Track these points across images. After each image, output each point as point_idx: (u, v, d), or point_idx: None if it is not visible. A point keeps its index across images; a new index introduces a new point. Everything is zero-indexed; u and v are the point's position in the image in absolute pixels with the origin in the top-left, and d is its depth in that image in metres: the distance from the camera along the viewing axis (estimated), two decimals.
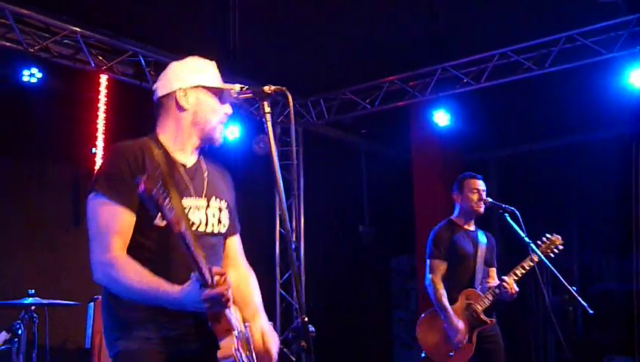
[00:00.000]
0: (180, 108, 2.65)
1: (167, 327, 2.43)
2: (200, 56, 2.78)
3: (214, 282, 2.26)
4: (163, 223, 2.27)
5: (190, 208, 2.57)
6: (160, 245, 2.47)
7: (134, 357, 2.43)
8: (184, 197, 2.55)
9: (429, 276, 5.21)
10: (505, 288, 4.93)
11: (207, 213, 2.62)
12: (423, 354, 5.15)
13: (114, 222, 2.44)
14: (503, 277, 4.98)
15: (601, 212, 8.93)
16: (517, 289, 4.96)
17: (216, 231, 2.66)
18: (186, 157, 2.69)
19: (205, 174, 2.71)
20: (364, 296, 10.28)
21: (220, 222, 2.67)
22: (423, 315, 5.28)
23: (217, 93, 2.68)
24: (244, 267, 2.91)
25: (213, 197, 2.68)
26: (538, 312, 9.14)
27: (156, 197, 2.03)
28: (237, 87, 2.63)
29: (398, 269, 10.87)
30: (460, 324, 5.00)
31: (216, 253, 2.69)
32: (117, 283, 2.40)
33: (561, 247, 5.08)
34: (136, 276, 2.36)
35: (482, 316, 5.04)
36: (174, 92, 2.65)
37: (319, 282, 8.94)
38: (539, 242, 5.06)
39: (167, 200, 2.06)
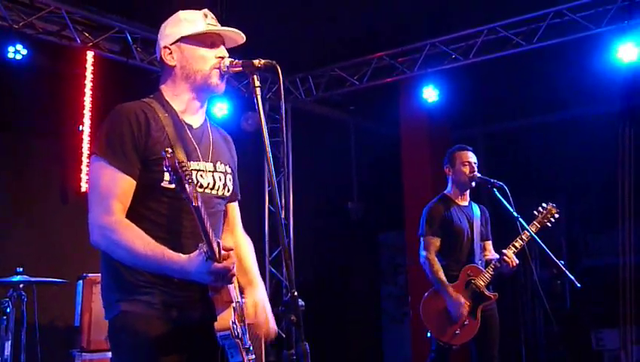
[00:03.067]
0: (169, 66, 2.64)
1: (170, 294, 2.42)
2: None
3: (221, 256, 2.27)
4: (171, 185, 2.29)
5: (198, 171, 2.56)
6: (169, 209, 2.45)
7: (135, 319, 2.43)
8: (191, 161, 2.55)
9: (423, 253, 5.19)
10: (505, 261, 4.93)
11: (214, 176, 2.63)
12: (428, 334, 5.11)
13: (114, 187, 2.43)
14: (503, 250, 4.98)
15: (589, 187, 8.99)
16: (517, 261, 4.97)
17: (220, 194, 2.66)
18: (192, 117, 2.68)
19: (211, 137, 2.70)
20: (353, 271, 10.33)
21: (225, 185, 2.68)
22: (426, 294, 5.20)
23: (204, 39, 2.63)
24: (242, 233, 2.92)
25: (219, 161, 2.67)
26: (526, 286, 9.21)
27: (180, 173, 2.06)
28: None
29: (387, 244, 10.92)
30: (460, 298, 4.99)
31: (220, 216, 2.70)
32: (118, 247, 2.37)
33: (557, 216, 5.10)
34: (140, 241, 2.35)
35: (485, 291, 5.04)
36: (161, 51, 2.65)
37: (308, 258, 8.97)
38: (535, 212, 5.08)
39: (188, 176, 2.08)
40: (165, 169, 2.07)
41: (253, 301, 2.67)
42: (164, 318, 2.44)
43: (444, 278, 5.06)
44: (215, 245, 2.24)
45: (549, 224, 5.08)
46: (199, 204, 2.12)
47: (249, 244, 2.91)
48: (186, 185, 2.08)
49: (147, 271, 2.40)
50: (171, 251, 2.33)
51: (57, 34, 6.64)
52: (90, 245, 2.46)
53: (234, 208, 2.89)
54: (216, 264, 2.25)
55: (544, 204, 5.13)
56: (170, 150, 2.06)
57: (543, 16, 7.03)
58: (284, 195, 8.95)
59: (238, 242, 2.86)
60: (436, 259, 5.15)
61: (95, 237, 2.42)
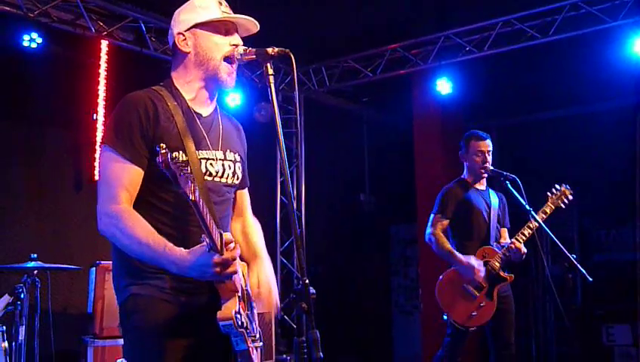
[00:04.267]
0: (183, 53, 2.65)
1: (180, 279, 2.43)
2: None
3: (224, 249, 2.27)
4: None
5: (207, 160, 2.57)
6: (177, 198, 2.42)
7: (144, 302, 2.45)
8: (200, 150, 2.56)
9: (429, 230, 5.20)
10: (512, 248, 4.93)
11: (223, 164, 2.64)
12: (445, 317, 5.09)
13: (122, 176, 2.45)
14: (512, 239, 5.00)
15: (603, 182, 8.93)
16: (525, 250, 4.96)
17: (230, 182, 2.68)
18: (202, 106, 2.69)
19: (221, 126, 2.71)
20: (364, 263, 10.34)
21: (234, 174, 2.69)
22: (440, 277, 5.17)
23: (218, 26, 2.63)
24: (250, 216, 2.95)
25: (228, 149, 2.68)
26: (538, 281, 9.18)
27: (173, 169, 2.03)
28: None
29: (398, 237, 10.92)
30: (472, 259, 4.96)
31: (229, 204, 2.72)
32: (122, 235, 2.39)
33: (570, 197, 5.11)
34: (143, 231, 2.36)
35: (501, 272, 5.04)
36: (175, 37, 2.65)
37: (320, 249, 8.98)
38: (548, 194, 5.09)
39: (183, 171, 2.06)
40: (158, 166, 2.04)
41: (257, 274, 2.69)
42: (173, 302, 2.46)
43: (451, 248, 5.06)
44: (217, 237, 2.23)
45: (562, 205, 5.08)
46: (197, 198, 2.10)
47: (257, 225, 2.94)
48: (180, 181, 2.05)
49: (146, 262, 2.41)
50: (173, 245, 2.34)
51: (72, 23, 6.66)
52: None
53: (243, 194, 2.91)
54: (218, 256, 2.25)
55: (557, 186, 5.13)
56: (164, 146, 2.03)
57: (559, 9, 6.97)
58: (296, 186, 8.95)
59: (246, 224, 2.89)
60: (442, 234, 5.14)
61: (101, 225, 2.44)
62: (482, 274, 4.95)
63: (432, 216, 5.27)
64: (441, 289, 5.14)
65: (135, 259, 2.44)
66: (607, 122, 8.53)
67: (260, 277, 2.69)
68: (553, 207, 5.04)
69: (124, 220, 2.39)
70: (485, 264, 5.02)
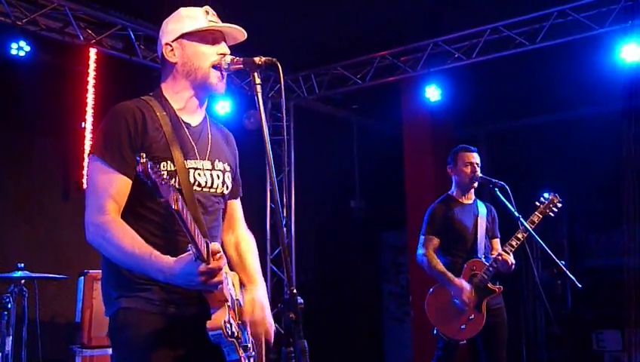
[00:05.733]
0: (170, 63, 2.64)
1: (169, 290, 2.42)
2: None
3: (210, 258, 2.25)
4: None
5: (195, 170, 2.56)
6: (165, 208, 2.39)
7: (134, 316, 2.44)
8: (188, 160, 2.55)
9: (420, 251, 5.19)
10: (501, 260, 4.94)
11: (212, 174, 2.62)
12: (435, 331, 5.09)
13: (110, 186, 2.44)
14: (499, 251, 5.00)
15: (591, 187, 8.97)
16: (513, 261, 4.96)
17: (219, 193, 2.66)
18: (191, 115, 2.68)
19: (210, 135, 2.70)
20: (354, 270, 10.32)
21: (223, 183, 2.67)
22: (430, 291, 5.19)
23: (206, 36, 2.63)
24: (244, 230, 2.92)
25: (217, 159, 2.67)
26: (527, 287, 9.20)
27: (153, 178, 2.02)
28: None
29: (389, 244, 10.92)
30: (464, 283, 4.97)
31: (219, 214, 2.70)
32: (109, 245, 2.38)
33: (559, 205, 5.10)
34: (129, 240, 2.36)
35: (489, 284, 5.04)
36: (163, 48, 2.65)
37: (310, 256, 8.98)
38: (537, 203, 5.08)
39: (163, 180, 2.04)
40: (139, 175, 2.02)
41: (251, 298, 2.65)
42: (162, 314, 2.45)
43: (443, 269, 5.06)
44: (203, 246, 2.22)
45: (551, 214, 5.08)
46: (179, 206, 2.08)
47: (251, 241, 2.90)
48: (162, 190, 2.03)
49: (133, 271, 2.40)
50: (159, 253, 2.33)
51: (60, 31, 6.64)
52: None
53: (235, 205, 2.89)
54: (204, 265, 2.23)
55: (546, 194, 5.13)
56: (144, 155, 2.01)
57: (546, 16, 7.01)
58: (285, 193, 8.94)
59: (240, 239, 2.86)
60: (434, 254, 5.15)
61: (89, 235, 2.44)
62: (472, 298, 4.96)
63: (421, 237, 5.27)
64: (430, 303, 5.16)
65: (123, 269, 2.43)
66: (595, 127, 8.57)
67: (255, 303, 2.65)
68: (541, 216, 5.04)
69: (111, 230, 2.38)
70: (473, 277, 5.03)
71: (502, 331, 5.14)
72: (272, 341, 2.72)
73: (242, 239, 2.87)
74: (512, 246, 4.95)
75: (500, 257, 4.94)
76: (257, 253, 2.90)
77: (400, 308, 10.55)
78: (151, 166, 2.01)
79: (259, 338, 2.65)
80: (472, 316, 4.98)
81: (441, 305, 5.08)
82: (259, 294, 2.69)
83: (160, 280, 2.34)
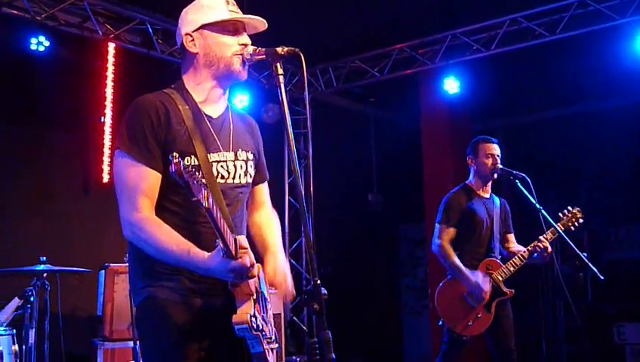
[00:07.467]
0: (191, 54, 2.63)
1: (194, 280, 2.45)
2: None
3: (238, 254, 2.27)
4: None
5: (218, 162, 2.57)
6: (186, 200, 2.39)
7: (160, 305, 2.46)
8: (211, 153, 2.56)
9: (436, 241, 5.13)
10: (541, 247, 4.87)
11: (235, 164, 2.63)
12: (440, 323, 5.07)
13: (141, 182, 2.45)
14: (540, 237, 4.90)
15: (612, 180, 8.89)
16: (551, 249, 4.91)
17: (243, 183, 2.67)
18: (213, 107, 2.67)
19: (231, 126, 2.69)
20: (372, 263, 10.31)
21: (246, 173, 2.68)
22: (441, 284, 5.15)
23: (227, 26, 2.61)
24: (269, 210, 2.94)
25: (240, 149, 2.67)
26: (548, 280, 9.15)
27: (186, 178, 2.03)
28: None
29: (407, 237, 10.89)
30: (480, 277, 4.93)
31: (243, 204, 2.71)
32: (147, 244, 2.41)
33: (581, 221, 5.01)
34: (168, 238, 2.38)
35: (503, 287, 5.00)
36: (183, 38, 2.64)
37: (328, 250, 8.96)
38: (560, 215, 5.01)
39: (195, 179, 2.06)
40: (171, 175, 2.04)
41: (272, 264, 2.68)
42: (188, 304, 2.47)
43: (459, 263, 5.00)
44: (231, 242, 2.24)
45: (572, 228, 5.00)
46: (210, 204, 2.10)
47: (275, 219, 2.94)
48: (194, 189, 2.05)
49: (175, 266, 2.42)
50: (197, 248, 2.35)
51: (79, 26, 6.67)
52: (112, 235, 2.48)
53: (261, 188, 2.90)
54: (233, 262, 2.26)
55: (569, 208, 5.04)
56: (176, 155, 2.03)
57: (567, 7, 6.95)
58: (304, 187, 8.92)
59: (263, 218, 2.89)
60: (450, 246, 5.10)
61: (126, 232, 2.46)
62: (487, 295, 4.92)
63: (437, 225, 5.20)
64: (441, 296, 5.12)
65: (148, 258, 2.45)
66: (616, 120, 8.49)
67: (276, 266, 2.68)
68: (563, 229, 4.95)
69: (147, 229, 2.40)
70: (488, 276, 4.99)
71: (507, 322, 5.08)
72: (290, 305, 2.75)
73: (266, 217, 2.90)
74: (553, 233, 4.88)
75: (539, 244, 4.87)
76: (279, 227, 2.93)
77: (418, 302, 10.53)
78: (184, 166, 2.02)
79: (280, 330, 2.67)
80: (480, 314, 4.95)
81: (451, 298, 5.04)
82: (279, 260, 2.72)
83: (201, 274, 2.38)
